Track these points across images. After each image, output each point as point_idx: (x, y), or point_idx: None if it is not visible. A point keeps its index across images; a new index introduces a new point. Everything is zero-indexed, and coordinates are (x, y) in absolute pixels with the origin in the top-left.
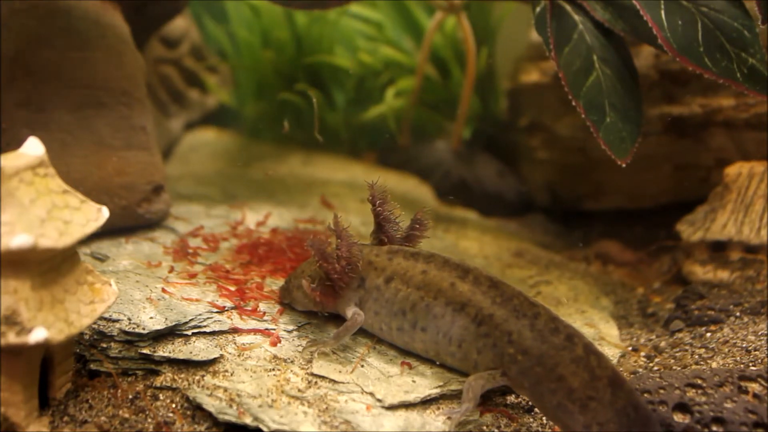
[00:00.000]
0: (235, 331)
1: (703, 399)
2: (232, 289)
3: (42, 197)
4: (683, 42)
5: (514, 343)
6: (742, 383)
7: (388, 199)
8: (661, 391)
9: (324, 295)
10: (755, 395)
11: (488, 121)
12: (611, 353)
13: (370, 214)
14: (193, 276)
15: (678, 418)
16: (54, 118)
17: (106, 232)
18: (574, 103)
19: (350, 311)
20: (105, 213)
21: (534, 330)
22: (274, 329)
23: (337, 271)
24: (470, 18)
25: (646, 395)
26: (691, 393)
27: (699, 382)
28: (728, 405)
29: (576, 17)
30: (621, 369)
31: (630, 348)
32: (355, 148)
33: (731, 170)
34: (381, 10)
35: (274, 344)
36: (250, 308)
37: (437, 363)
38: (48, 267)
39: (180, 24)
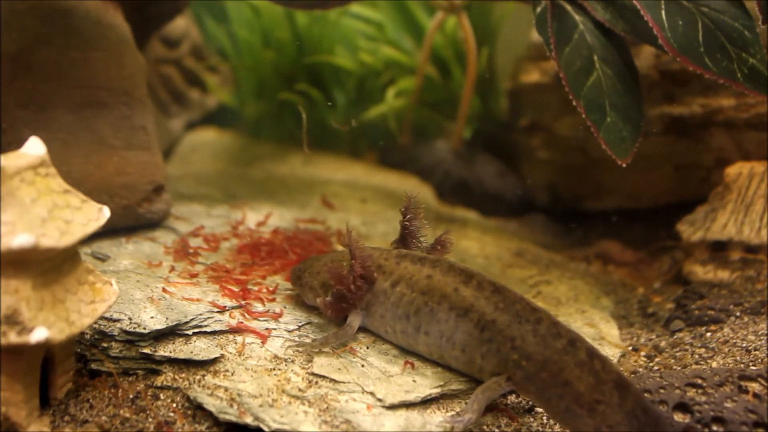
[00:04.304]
0: (235, 330)
1: (704, 398)
2: (234, 288)
3: (43, 197)
4: (684, 42)
5: (517, 348)
6: (743, 383)
7: (419, 215)
8: (662, 391)
9: (337, 311)
10: (755, 395)
11: (489, 121)
12: (612, 353)
13: (370, 215)
14: (193, 276)
15: (678, 417)
16: (55, 118)
17: (106, 232)
18: (574, 103)
19: (351, 317)
20: (106, 212)
21: (537, 335)
22: (275, 329)
23: (352, 291)
24: (471, 18)
25: (646, 395)
26: (691, 392)
27: (699, 381)
28: (728, 405)
29: (577, 17)
30: (621, 369)
31: (630, 348)
32: (355, 148)
33: (731, 170)
34: (381, 10)
35: (265, 341)
36: (251, 308)
37: (441, 364)
38: (49, 266)
39: (180, 24)
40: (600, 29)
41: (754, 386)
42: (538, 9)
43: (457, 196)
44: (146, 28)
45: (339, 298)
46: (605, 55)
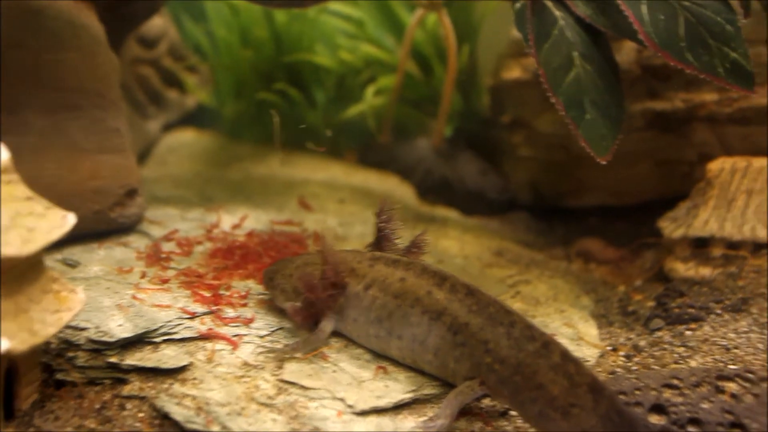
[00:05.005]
0: (205, 337)
1: (680, 399)
2: (205, 294)
3: (5, 204)
4: (665, 37)
5: (491, 352)
6: (720, 383)
7: (395, 217)
8: (637, 392)
9: (307, 318)
10: (733, 395)
11: (470, 118)
12: (590, 353)
13: (348, 215)
14: (165, 281)
15: (654, 419)
16: (27, 121)
17: (79, 238)
18: (553, 100)
19: (324, 321)
20: (71, 219)
21: (510, 338)
22: (246, 335)
23: (322, 299)
24: (452, 14)
25: (621, 396)
26: (667, 394)
27: (676, 382)
28: (705, 405)
29: (557, 13)
30: (599, 369)
31: (609, 347)
32: (336, 148)
33: (713, 166)
34: (362, 8)
35: (235, 348)
36: (222, 314)
37: (414, 368)
38: (11, 276)
39: (157, 24)
40: (581, 25)
41: (731, 386)
42: (518, 5)
43: (439, 195)
44: (121, 29)
45: (309, 304)
46: (585, 51)
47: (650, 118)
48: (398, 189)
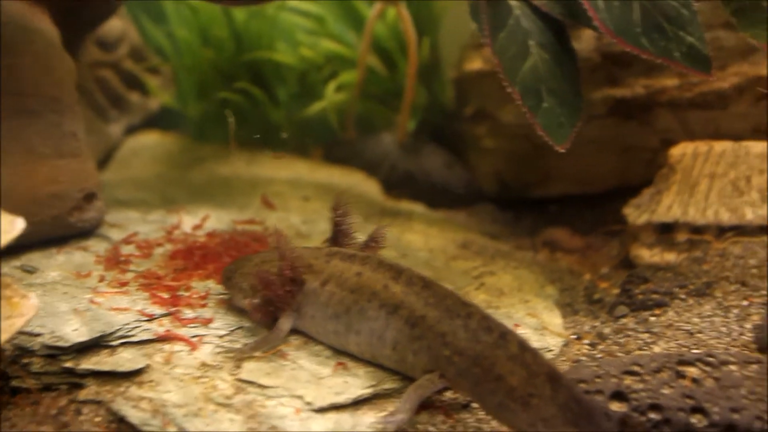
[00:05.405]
0: (163, 339)
1: (641, 386)
2: (164, 296)
3: None
4: (620, 23)
5: (448, 344)
6: (680, 368)
7: (350, 212)
8: (598, 380)
9: (266, 314)
10: (694, 380)
11: (435, 111)
12: (554, 342)
13: (311, 213)
14: (123, 284)
15: (616, 406)
16: None
17: (38, 243)
18: (509, 90)
19: (282, 319)
20: (19, 224)
21: (468, 330)
22: (205, 335)
23: (280, 296)
24: (412, 7)
25: (582, 385)
26: (628, 380)
27: (636, 369)
28: (665, 391)
29: (512, 2)
30: (563, 358)
31: (573, 336)
32: (301, 145)
33: (675, 151)
34: (322, 4)
35: (194, 349)
36: (181, 315)
37: (374, 363)
38: None
39: (117, 26)
40: (537, 14)
41: (692, 371)
42: None
43: (404, 189)
44: (77, 32)
45: (267, 302)
46: (542, 40)
47: (611, 105)
48: (363, 184)
